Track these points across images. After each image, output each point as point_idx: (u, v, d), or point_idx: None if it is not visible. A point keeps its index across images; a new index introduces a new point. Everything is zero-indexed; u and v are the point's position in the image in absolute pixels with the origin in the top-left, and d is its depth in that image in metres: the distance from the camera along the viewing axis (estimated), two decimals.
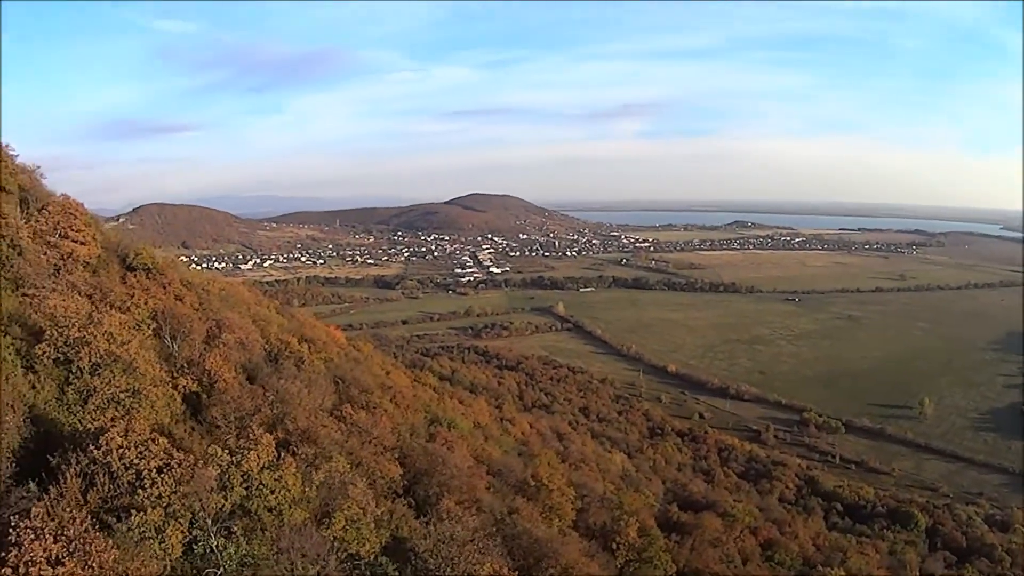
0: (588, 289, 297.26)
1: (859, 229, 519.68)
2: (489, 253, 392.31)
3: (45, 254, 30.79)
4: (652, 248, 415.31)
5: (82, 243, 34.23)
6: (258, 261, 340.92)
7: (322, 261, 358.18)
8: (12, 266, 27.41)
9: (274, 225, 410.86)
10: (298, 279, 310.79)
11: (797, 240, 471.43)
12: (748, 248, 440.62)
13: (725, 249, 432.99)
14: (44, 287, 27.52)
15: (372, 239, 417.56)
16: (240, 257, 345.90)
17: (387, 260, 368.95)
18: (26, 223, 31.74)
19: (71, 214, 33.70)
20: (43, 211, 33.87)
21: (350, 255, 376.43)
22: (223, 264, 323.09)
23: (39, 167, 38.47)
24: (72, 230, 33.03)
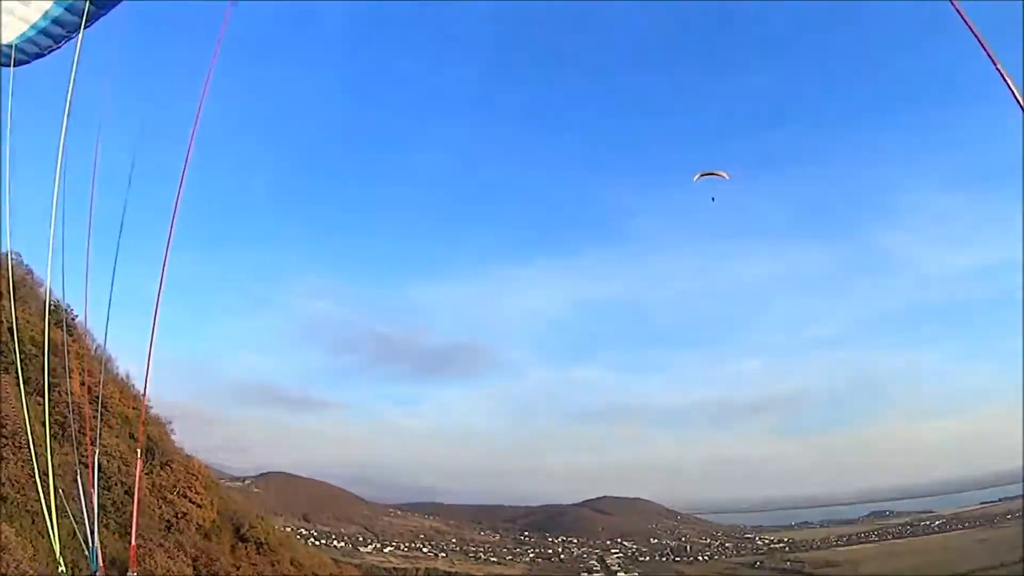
0: None
1: (999, 500, 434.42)
2: (617, 557, 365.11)
3: (160, 508, 35.64)
4: (787, 548, 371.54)
5: (199, 505, 38.66)
6: (378, 546, 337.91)
7: (444, 554, 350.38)
8: (125, 514, 30.98)
9: (399, 512, 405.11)
10: (417, 569, 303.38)
11: (937, 523, 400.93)
12: (887, 539, 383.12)
13: (863, 542, 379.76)
14: (152, 540, 30.63)
15: (498, 537, 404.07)
16: (360, 539, 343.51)
17: (511, 559, 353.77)
18: (148, 475, 36.35)
19: (192, 474, 39.32)
20: (166, 466, 38.84)
21: (473, 551, 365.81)
22: (342, 543, 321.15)
23: (171, 422, 43.91)
24: (191, 490, 38.28)
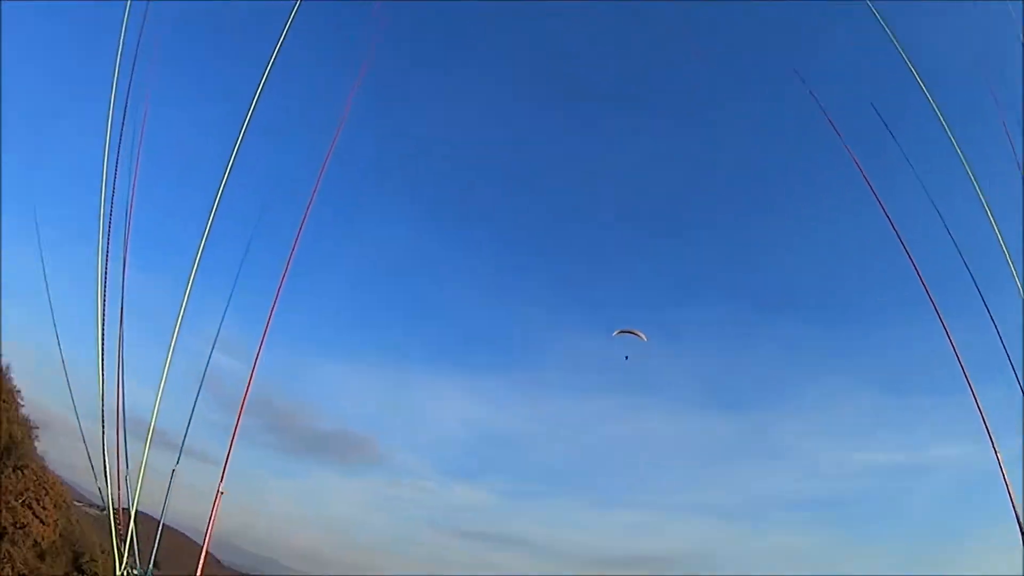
0: None
1: None
2: None
3: None
4: None
5: (42, 521, 34.56)
6: None
7: None
8: None
9: None
10: None
11: None
12: None
13: None
14: None
15: None
16: None
17: None
18: None
19: (44, 487, 34.86)
20: (18, 470, 35.31)
21: None
22: None
23: (37, 428, 39.84)
24: (38, 503, 34.93)
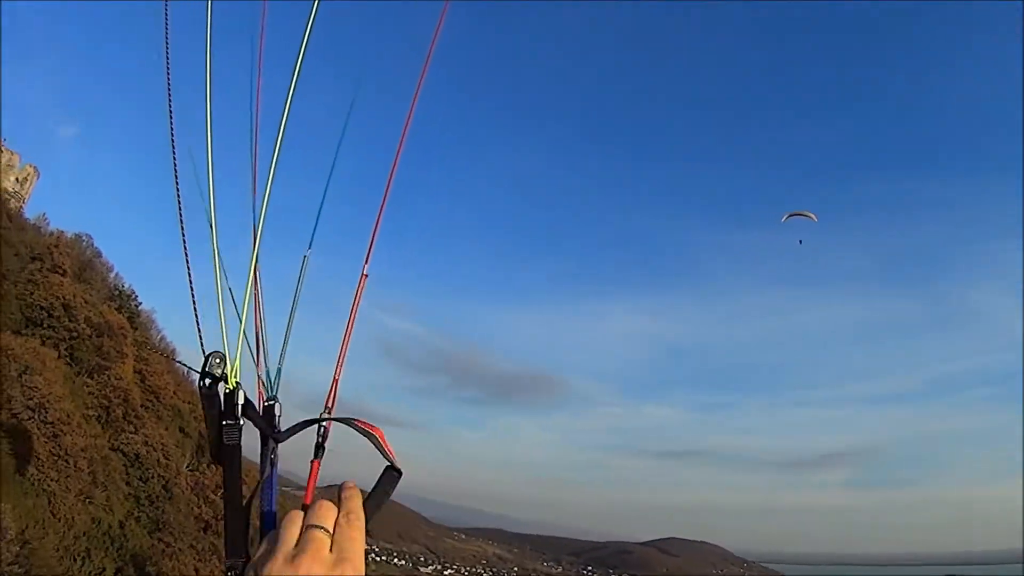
0: None
1: None
2: None
3: (199, 508, 32.51)
4: None
5: None
6: (439, 567, 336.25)
7: None
8: (160, 510, 29.41)
9: (463, 536, 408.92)
10: None
11: None
12: None
13: None
14: (183, 540, 28.29)
15: (560, 569, 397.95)
16: (422, 559, 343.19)
17: None
18: (191, 472, 34.62)
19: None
20: (213, 465, 38.71)
21: None
22: (403, 562, 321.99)
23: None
24: None
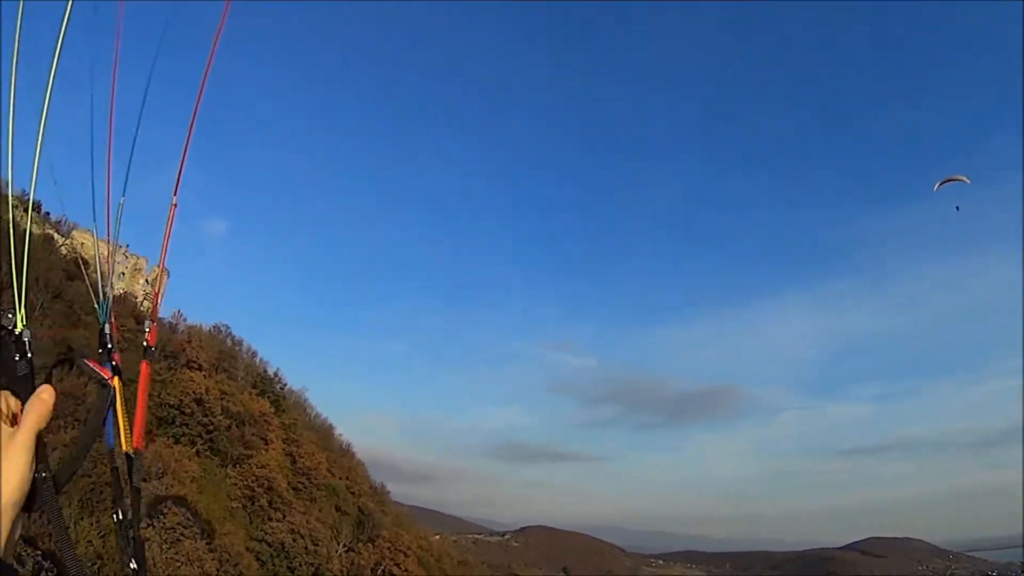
0: None
1: None
2: None
3: None
4: None
5: None
6: None
7: None
8: None
9: (661, 562, 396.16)
10: None
11: None
12: None
13: None
14: None
15: None
16: None
17: None
18: (346, 551, 34.47)
19: (400, 550, 38.14)
20: (370, 542, 36.19)
21: None
22: None
23: (388, 491, 43.66)
24: (396, 565, 37.86)
